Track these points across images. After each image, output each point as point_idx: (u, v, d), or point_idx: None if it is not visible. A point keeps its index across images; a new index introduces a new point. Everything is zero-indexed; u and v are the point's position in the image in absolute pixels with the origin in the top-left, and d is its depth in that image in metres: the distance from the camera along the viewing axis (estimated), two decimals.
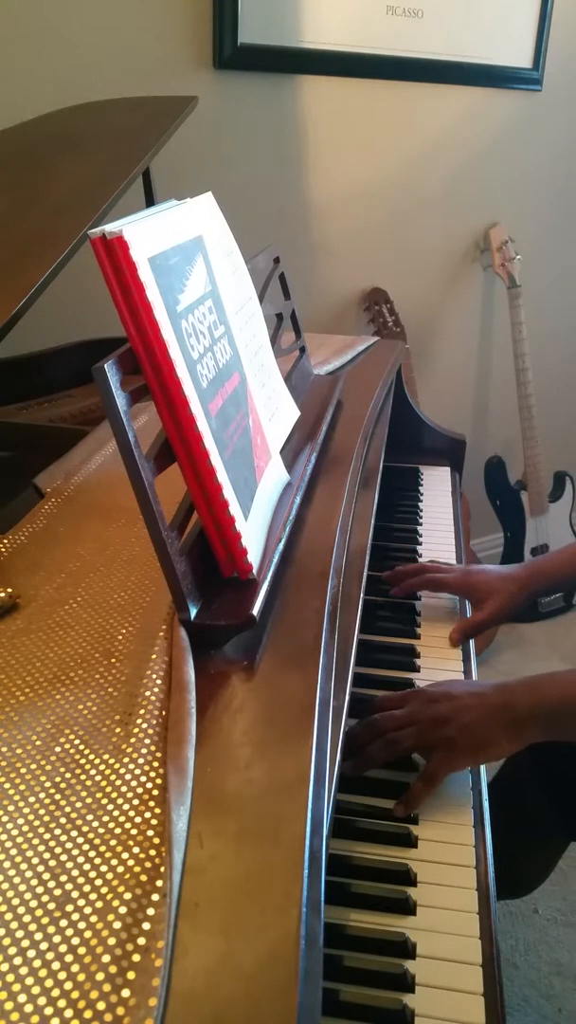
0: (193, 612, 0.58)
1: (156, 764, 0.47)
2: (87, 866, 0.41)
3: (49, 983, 0.36)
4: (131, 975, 0.36)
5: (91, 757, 0.48)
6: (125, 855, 0.42)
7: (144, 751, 0.48)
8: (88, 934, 0.38)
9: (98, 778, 0.47)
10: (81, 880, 0.41)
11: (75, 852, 0.42)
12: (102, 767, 0.47)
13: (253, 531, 0.65)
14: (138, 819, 0.44)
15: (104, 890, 0.40)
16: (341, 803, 0.71)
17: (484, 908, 0.62)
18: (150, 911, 0.39)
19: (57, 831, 0.43)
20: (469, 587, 0.97)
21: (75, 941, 0.38)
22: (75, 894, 0.40)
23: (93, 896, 0.40)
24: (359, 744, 0.74)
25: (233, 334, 0.71)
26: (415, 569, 1.02)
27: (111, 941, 0.38)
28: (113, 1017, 0.35)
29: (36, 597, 0.64)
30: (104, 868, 0.41)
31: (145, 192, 1.17)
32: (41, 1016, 0.35)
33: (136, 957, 0.37)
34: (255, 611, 0.59)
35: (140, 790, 0.46)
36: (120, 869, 0.41)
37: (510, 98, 1.93)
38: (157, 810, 0.45)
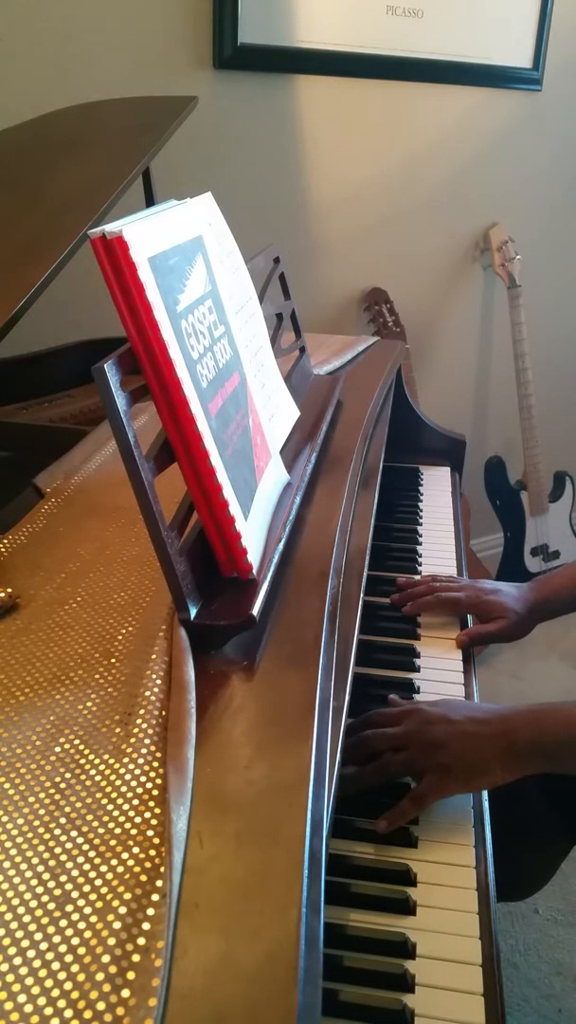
0: (193, 612, 0.58)
1: (156, 764, 0.47)
2: (87, 866, 0.41)
3: (49, 983, 0.36)
4: (131, 975, 0.36)
5: (91, 757, 0.48)
6: (125, 855, 0.42)
7: (144, 751, 0.48)
8: (88, 934, 0.38)
9: (98, 778, 0.47)
10: (81, 880, 0.41)
11: (75, 852, 0.42)
12: (102, 767, 0.47)
13: (253, 531, 0.65)
14: (138, 819, 0.44)
15: (104, 890, 0.40)
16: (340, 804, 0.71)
17: (484, 908, 0.62)
18: (150, 911, 0.39)
19: (57, 831, 0.43)
20: (482, 606, 0.97)
21: (75, 941, 0.38)
22: (75, 894, 0.40)
23: (93, 896, 0.40)
24: (348, 759, 0.72)
25: (233, 334, 0.71)
26: (422, 586, 1.00)
27: (111, 941, 0.38)
28: (113, 1017, 0.35)
29: (36, 597, 0.64)
30: (104, 868, 0.41)
31: (145, 192, 1.16)
32: (41, 1016, 0.35)
33: (136, 957, 0.37)
34: (255, 611, 0.59)
35: (140, 790, 0.46)
36: (120, 869, 0.41)
37: (510, 98, 1.93)
38: (157, 810, 0.45)
